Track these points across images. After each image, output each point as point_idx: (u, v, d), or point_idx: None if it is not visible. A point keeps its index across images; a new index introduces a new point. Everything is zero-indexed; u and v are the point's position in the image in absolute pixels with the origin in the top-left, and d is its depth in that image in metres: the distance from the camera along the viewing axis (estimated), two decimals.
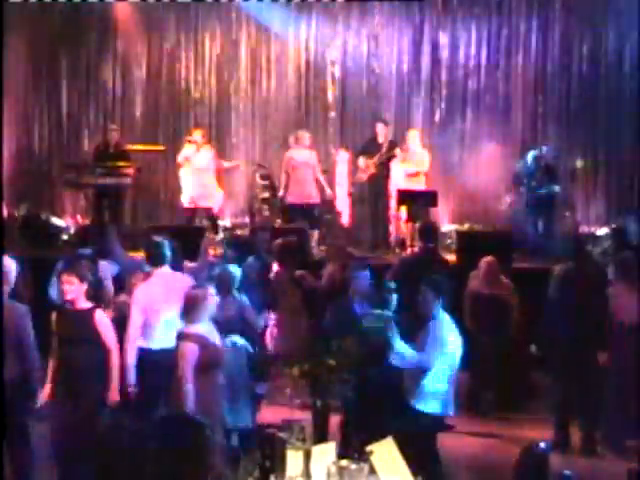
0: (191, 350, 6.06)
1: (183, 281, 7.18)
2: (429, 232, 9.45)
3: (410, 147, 12.76)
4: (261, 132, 14.72)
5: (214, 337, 6.29)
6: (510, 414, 8.93)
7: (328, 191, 12.80)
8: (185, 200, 12.83)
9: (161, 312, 7.05)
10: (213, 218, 12.94)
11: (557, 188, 12.43)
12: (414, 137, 12.89)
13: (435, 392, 6.61)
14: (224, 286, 7.35)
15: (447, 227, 13.47)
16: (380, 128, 12.75)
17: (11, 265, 6.67)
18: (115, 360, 6.48)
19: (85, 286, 6.49)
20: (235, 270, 7.67)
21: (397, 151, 12.55)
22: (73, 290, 6.45)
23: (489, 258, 9.19)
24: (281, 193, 12.58)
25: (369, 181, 12.71)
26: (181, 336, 6.19)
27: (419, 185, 12.68)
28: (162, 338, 6.92)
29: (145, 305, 7.07)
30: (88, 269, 6.74)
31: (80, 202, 14.10)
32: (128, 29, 14.59)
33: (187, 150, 12.76)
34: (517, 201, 12.75)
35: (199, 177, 12.70)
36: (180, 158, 12.79)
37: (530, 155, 12.68)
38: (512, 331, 9.04)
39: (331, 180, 13.29)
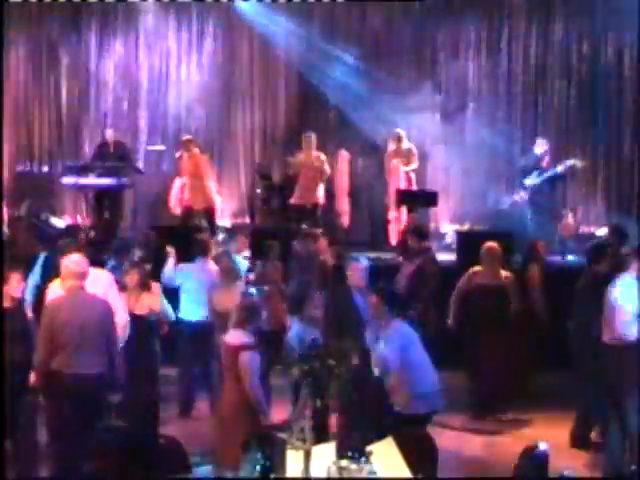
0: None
1: None
2: None
3: (402, 146, 12.77)
4: (261, 132, 14.71)
5: None
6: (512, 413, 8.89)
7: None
8: (174, 204, 12.85)
9: None
10: (211, 220, 12.95)
11: (558, 187, 12.43)
12: (402, 137, 12.87)
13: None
14: None
15: (447, 227, 13.48)
16: (379, 129, 12.73)
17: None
18: None
19: None
20: None
21: (395, 151, 12.55)
22: None
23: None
24: None
25: (368, 182, 12.69)
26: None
27: (413, 183, 12.69)
28: None
29: None
30: None
31: (80, 202, 14.10)
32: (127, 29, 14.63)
33: (180, 155, 12.79)
34: (519, 200, 12.75)
35: (193, 181, 12.71)
36: (174, 163, 12.84)
37: (531, 155, 12.69)
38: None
39: (331, 181, 13.28)
